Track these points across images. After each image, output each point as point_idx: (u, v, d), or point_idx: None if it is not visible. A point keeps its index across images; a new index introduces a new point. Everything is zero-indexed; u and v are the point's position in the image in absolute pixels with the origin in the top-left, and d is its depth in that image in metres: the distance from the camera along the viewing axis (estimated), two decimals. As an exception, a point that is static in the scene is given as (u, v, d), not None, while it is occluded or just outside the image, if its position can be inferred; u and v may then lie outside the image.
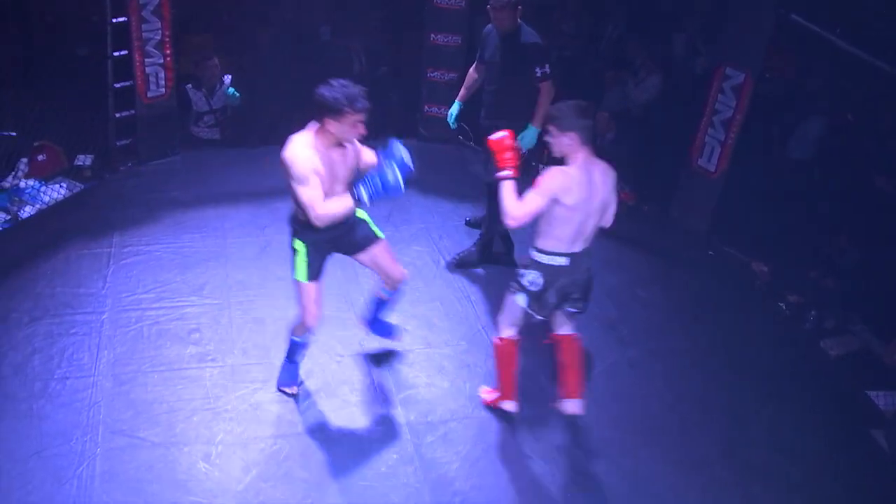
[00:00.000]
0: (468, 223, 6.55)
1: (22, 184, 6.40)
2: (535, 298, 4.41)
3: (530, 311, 4.47)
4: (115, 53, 6.49)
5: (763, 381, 5.55)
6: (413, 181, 6.96)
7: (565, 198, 4.13)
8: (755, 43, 6.45)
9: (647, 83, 7.93)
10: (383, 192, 4.18)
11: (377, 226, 4.73)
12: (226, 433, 4.54)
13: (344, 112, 4.02)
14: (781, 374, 5.65)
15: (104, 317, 5.28)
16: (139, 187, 6.75)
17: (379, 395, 4.93)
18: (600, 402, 5.10)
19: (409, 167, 4.24)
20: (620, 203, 4.57)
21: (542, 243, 4.34)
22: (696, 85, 7.30)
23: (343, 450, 4.55)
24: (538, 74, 5.53)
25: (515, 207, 4.15)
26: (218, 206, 6.52)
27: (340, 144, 4.21)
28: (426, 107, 7.69)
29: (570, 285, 4.42)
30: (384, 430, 4.70)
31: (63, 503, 4.08)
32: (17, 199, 6.27)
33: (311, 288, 4.49)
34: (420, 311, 5.61)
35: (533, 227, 4.31)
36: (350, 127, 4.10)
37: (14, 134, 6.52)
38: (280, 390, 4.84)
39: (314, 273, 4.47)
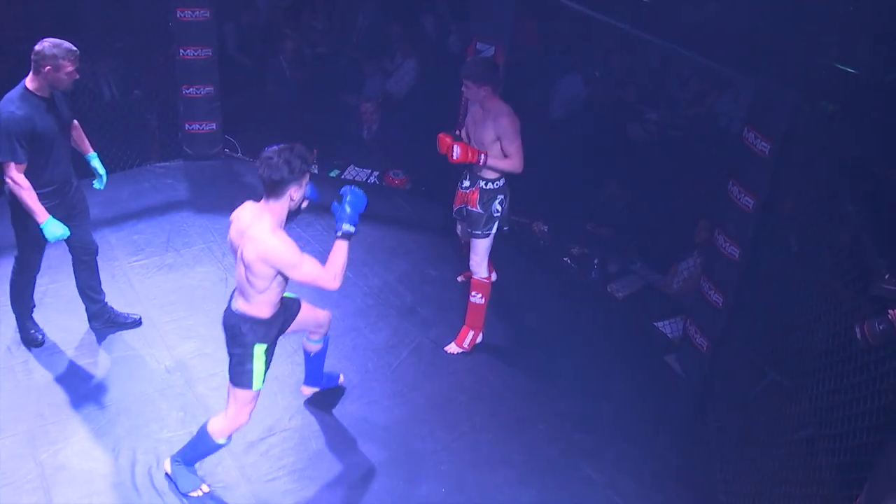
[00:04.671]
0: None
1: None
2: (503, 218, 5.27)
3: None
4: None
5: (563, 334, 5.89)
6: (186, 202, 6.94)
7: None
8: (501, 16, 6.71)
9: (404, 68, 8.13)
10: (358, 210, 3.98)
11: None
12: (31, 506, 4.24)
13: (305, 173, 3.77)
14: (579, 324, 6.01)
15: None
16: None
17: (190, 424, 4.75)
18: (413, 383, 5.26)
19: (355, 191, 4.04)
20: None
21: (487, 174, 5.20)
22: (453, 62, 7.54)
23: (166, 490, 4.36)
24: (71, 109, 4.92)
25: None
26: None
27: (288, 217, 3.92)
28: (186, 124, 7.49)
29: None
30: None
31: None
32: None
33: (257, 394, 4.15)
34: (216, 333, 5.42)
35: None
36: (305, 186, 3.84)
37: None
38: (188, 496, 4.33)
39: (264, 377, 4.14)
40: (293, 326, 4.37)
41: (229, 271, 6.07)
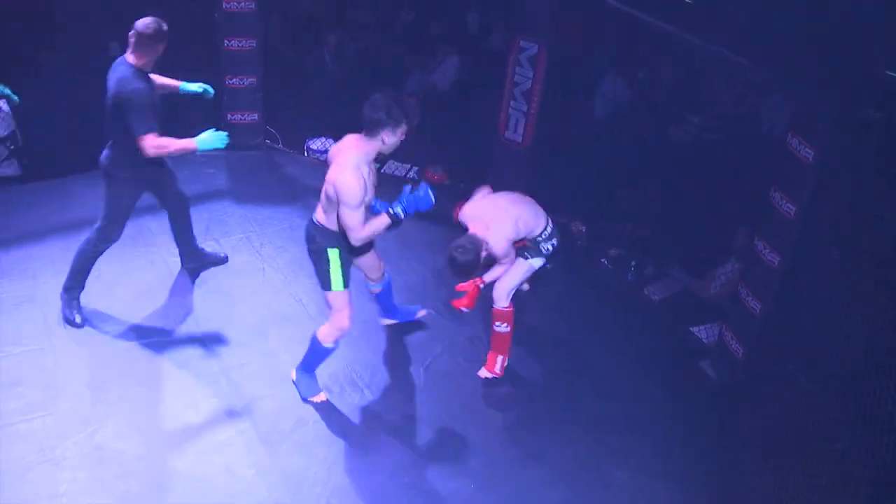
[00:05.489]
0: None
1: None
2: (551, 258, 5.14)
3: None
4: None
5: (598, 334, 5.87)
6: (227, 191, 7.01)
7: None
8: (542, 15, 6.70)
9: (446, 65, 8.14)
10: (417, 207, 4.33)
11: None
12: (69, 483, 4.28)
13: (401, 124, 4.18)
14: (614, 326, 5.99)
15: None
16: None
17: (225, 413, 4.82)
18: (446, 380, 5.27)
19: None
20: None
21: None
22: (495, 60, 7.52)
23: (198, 475, 4.42)
24: None
25: None
26: (23, 246, 6.04)
27: (376, 158, 4.38)
28: (229, 115, 7.56)
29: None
30: (237, 448, 4.61)
31: None
32: None
33: (347, 294, 4.62)
34: (252, 322, 5.53)
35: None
36: (400, 138, 4.26)
37: None
38: (308, 401, 4.92)
39: (347, 279, 4.60)
40: (356, 262, 4.86)
41: (266, 261, 6.14)
